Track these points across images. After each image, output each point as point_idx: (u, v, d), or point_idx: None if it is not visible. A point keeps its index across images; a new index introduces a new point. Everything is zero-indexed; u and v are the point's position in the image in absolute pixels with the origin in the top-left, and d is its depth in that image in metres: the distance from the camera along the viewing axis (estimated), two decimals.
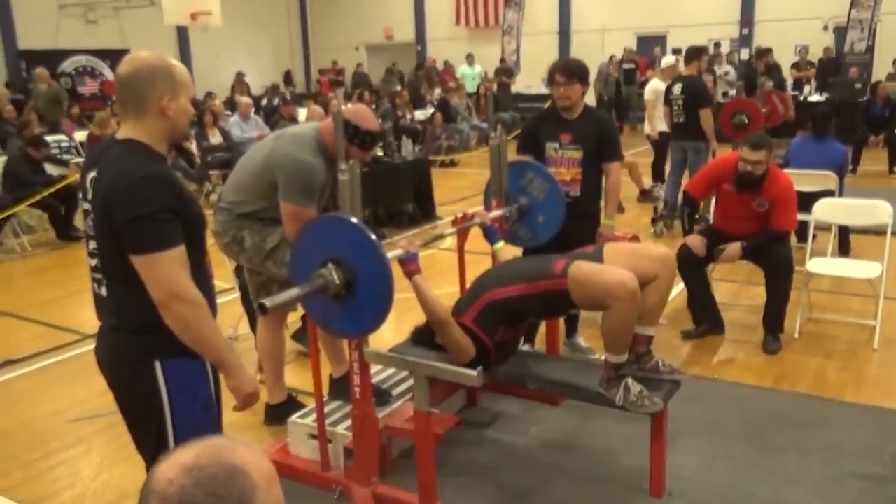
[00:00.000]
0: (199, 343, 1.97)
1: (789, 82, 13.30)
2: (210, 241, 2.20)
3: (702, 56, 7.36)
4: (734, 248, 4.25)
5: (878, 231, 4.80)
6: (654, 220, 7.17)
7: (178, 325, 1.92)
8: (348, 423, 3.02)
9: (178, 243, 1.91)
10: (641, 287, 2.75)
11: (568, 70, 3.83)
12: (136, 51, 2.06)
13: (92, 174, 1.99)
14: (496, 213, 3.56)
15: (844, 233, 5.83)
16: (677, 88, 6.92)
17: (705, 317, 4.58)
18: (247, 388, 2.09)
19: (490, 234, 3.43)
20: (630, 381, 2.76)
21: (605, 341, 2.75)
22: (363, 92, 14.26)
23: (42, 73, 12.59)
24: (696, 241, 4.32)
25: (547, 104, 4.11)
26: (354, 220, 2.50)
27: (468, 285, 3.67)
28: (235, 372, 2.05)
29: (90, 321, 2.12)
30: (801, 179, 5.45)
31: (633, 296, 2.64)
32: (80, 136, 10.23)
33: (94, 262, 2.05)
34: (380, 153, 7.92)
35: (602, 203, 4.10)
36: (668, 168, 7.73)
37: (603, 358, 2.81)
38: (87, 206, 2.03)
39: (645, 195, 8.38)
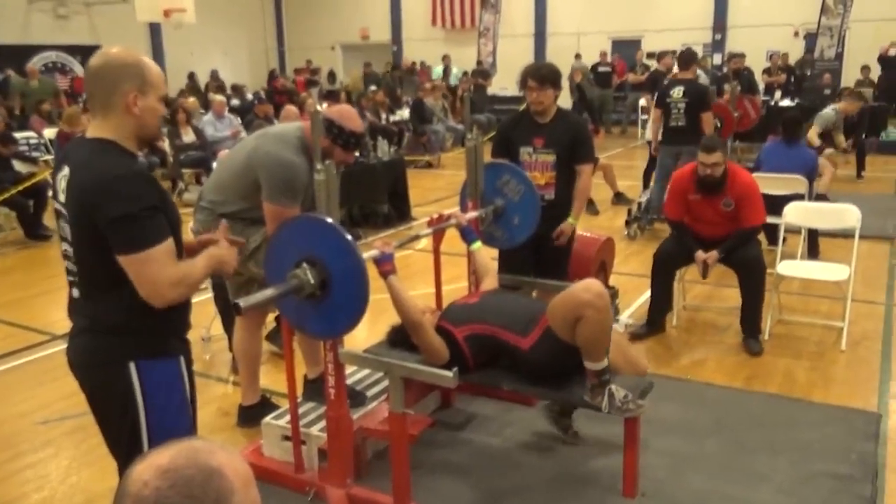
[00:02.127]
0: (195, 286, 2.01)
1: (761, 87, 13.48)
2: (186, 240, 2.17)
3: (697, 60, 7.32)
4: (711, 257, 4.33)
5: (847, 234, 4.89)
6: (628, 223, 7.22)
7: (177, 300, 1.95)
8: (322, 424, 3.00)
9: (166, 237, 1.90)
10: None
11: (540, 75, 3.84)
12: (110, 45, 2.03)
13: (63, 174, 1.95)
14: (472, 214, 3.57)
15: (814, 236, 5.93)
16: (677, 92, 6.79)
17: (659, 318, 4.67)
18: (217, 252, 2.10)
19: (466, 235, 3.44)
20: (614, 387, 2.76)
21: (583, 350, 2.75)
22: (338, 92, 14.20)
23: (33, 69, 12.55)
24: (701, 261, 4.36)
25: (522, 106, 4.12)
26: (329, 219, 2.48)
27: (444, 286, 3.69)
28: (213, 254, 2.08)
29: (59, 321, 2.09)
30: (772, 183, 5.54)
31: (600, 296, 2.67)
32: (50, 133, 10.07)
33: (68, 264, 2.01)
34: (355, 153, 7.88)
35: None
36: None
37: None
38: (59, 207, 1.99)
39: (619, 198, 8.44)
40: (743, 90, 9.65)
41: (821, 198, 6.56)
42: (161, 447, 0.94)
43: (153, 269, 1.87)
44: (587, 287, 2.69)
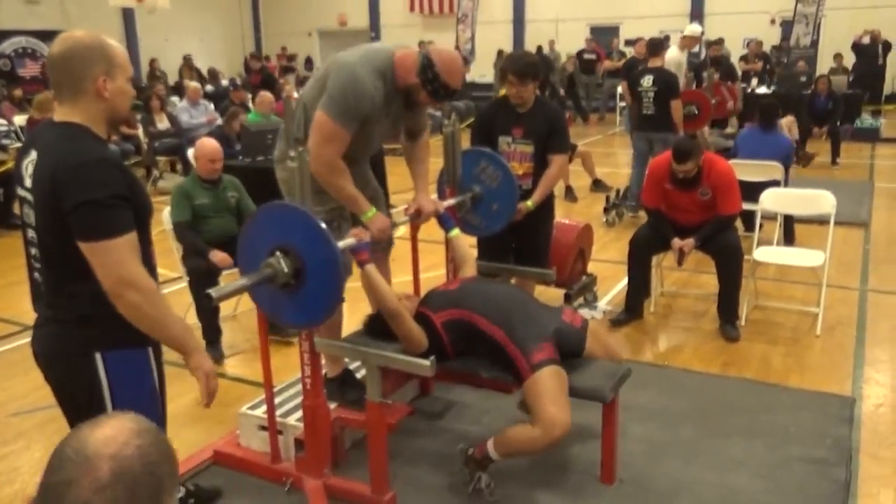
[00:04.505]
0: (155, 329, 1.93)
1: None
2: (155, 231, 2.13)
3: (665, 47, 7.33)
4: (688, 244, 4.34)
5: (822, 220, 4.93)
6: (606, 210, 7.24)
7: (131, 313, 1.87)
8: (299, 414, 2.98)
9: (130, 229, 1.85)
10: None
11: (520, 71, 3.79)
12: (71, 30, 1.98)
13: (29, 159, 1.90)
14: (450, 201, 3.53)
15: (789, 222, 5.98)
16: (647, 80, 6.80)
17: (638, 303, 4.68)
18: (209, 364, 2.04)
19: (444, 222, 3.40)
20: (485, 476, 2.86)
21: (504, 443, 2.77)
22: None
23: None
24: (677, 248, 4.37)
25: (502, 92, 4.08)
26: (303, 207, 2.45)
27: (422, 274, 3.67)
28: (193, 351, 2.01)
29: (30, 312, 2.04)
30: (748, 170, 5.58)
31: (553, 442, 2.65)
32: (20, 120, 9.87)
33: (33, 251, 1.97)
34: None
35: (554, 193, 4.11)
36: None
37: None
38: (23, 193, 1.93)
39: (598, 185, 8.45)
40: (722, 77, 9.67)
41: None
42: (105, 416, 0.95)
43: (113, 259, 1.82)
44: (554, 425, 2.61)
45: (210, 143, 4.42)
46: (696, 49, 10.79)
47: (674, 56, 7.91)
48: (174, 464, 0.94)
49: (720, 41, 11.59)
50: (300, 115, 2.93)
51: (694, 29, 8.49)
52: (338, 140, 2.76)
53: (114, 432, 0.91)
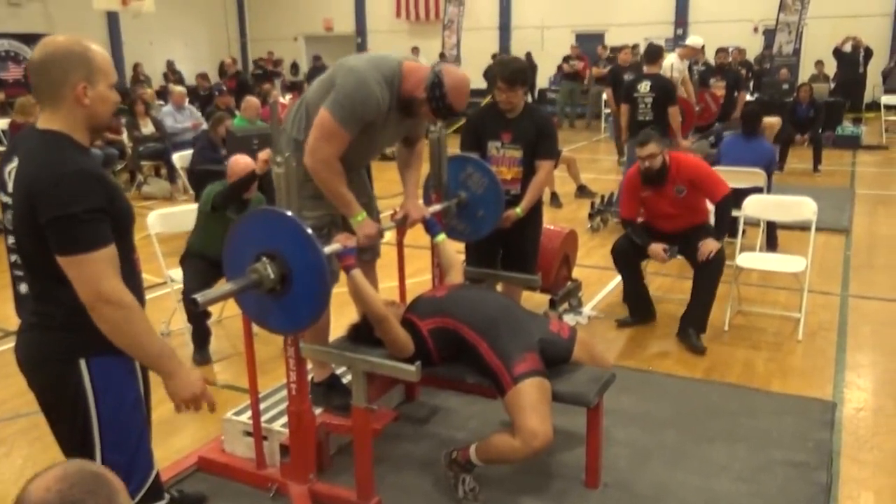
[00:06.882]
0: (132, 346, 1.89)
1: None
2: (139, 236, 2.12)
3: (663, 55, 7.39)
4: (710, 245, 4.23)
5: (804, 227, 4.98)
6: (590, 216, 7.27)
7: (108, 328, 1.84)
8: (284, 419, 2.97)
9: (108, 243, 1.83)
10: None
11: (510, 77, 3.81)
12: (52, 35, 1.96)
13: (12, 165, 1.88)
14: (435, 207, 3.54)
15: (772, 228, 6.04)
16: (644, 86, 6.80)
17: (640, 307, 4.71)
18: (186, 391, 1.97)
19: (430, 227, 3.41)
20: (469, 478, 2.87)
21: (486, 450, 2.79)
22: (302, 83, 13.97)
23: None
24: (657, 251, 4.37)
25: (486, 99, 4.10)
26: (289, 213, 2.45)
27: (408, 279, 3.67)
28: (173, 373, 1.95)
29: (11, 317, 2.03)
30: (732, 176, 5.60)
31: (533, 452, 2.66)
32: (2, 123, 9.80)
33: (13, 257, 1.95)
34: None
35: (542, 198, 4.13)
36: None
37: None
38: (6, 198, 1.92)
39: (582, 191, 8.49)
40: (729, 86, 9.66)
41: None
42: (45, 469, 1.12)
43: (90, 273, 1.80)
44: (536, 436, 2.62)
45: (244, 160, 4.23)
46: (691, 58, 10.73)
47: (674, 64, 7.93)
48: (102, 493, 1.09)
49: (725, 49, 11.54)
50: (302, 116, 2.92)
51: (696, 40, 8.54)
52: (337, 140, 2.77)
53: (41, 482, 1.08)
